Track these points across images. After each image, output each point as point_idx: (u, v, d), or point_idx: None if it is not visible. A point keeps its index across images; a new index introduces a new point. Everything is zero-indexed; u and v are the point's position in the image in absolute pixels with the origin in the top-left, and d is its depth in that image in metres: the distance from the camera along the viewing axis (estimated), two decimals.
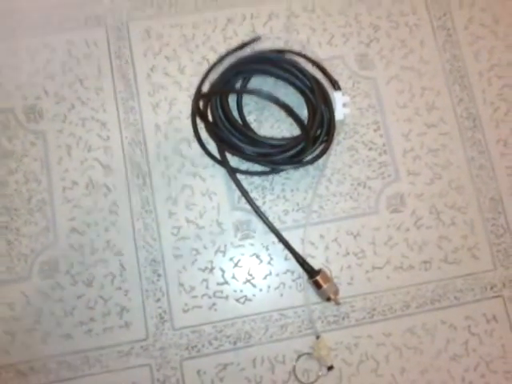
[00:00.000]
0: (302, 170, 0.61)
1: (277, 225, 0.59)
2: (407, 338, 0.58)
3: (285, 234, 0.58)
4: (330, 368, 0.57)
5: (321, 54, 0.64)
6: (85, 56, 0.64)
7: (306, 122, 0.59)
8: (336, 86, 0.61)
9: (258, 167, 0.60)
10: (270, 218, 0.59)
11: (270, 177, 0.61)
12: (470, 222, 0.61)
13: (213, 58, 0.63)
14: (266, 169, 0.60)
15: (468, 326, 0.59)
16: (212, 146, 0.60)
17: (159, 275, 0.58)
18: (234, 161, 0.60)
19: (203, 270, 0.59)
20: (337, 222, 0.60)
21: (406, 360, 0.58)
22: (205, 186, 0.60)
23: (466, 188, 0.62)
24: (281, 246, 0.59)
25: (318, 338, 0.57)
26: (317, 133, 0.59)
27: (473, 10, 0.67)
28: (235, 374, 0.57)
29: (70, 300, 0.58)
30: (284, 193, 0.61)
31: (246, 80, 0.62)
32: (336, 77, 0.63)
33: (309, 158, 0.59)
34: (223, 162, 0.59)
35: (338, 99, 0.60)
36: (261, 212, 0.58)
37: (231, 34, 0.65)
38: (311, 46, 0.65)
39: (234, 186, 0.59)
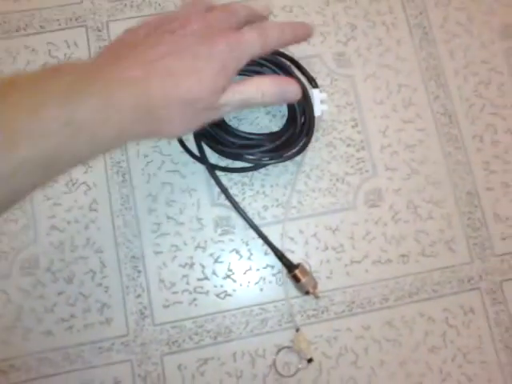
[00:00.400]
0: (280, 167, 0.62)
1: (256, 220, 0.60)
2: (386, 330, 0.59)
3: (264, 230, 0.59)
4: (310, 361, 0.57)
5: (299, 52, 0.65)
6: (65, 56, 0.64)
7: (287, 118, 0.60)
8: (313, 83, 0.62)
9: (237, 164, 0.61)
10: (250, 214, 0.60)
11: (250, 173, 0.61)
12: (446, 216, 0.62)
13: None
14: (246, 165, 0.61)
15: (446, 318, 0.60)
16: (191, 143, 0.61)
17: (139, 271, 0.59)
18: (213, 158, 0.61)
19: (183, 266, 0.59)
20: (316, 217, 0.61)
21: (385, 352, 0.59)
22: (185, 182, 0.61)
23: (443, 183, 0.63)
24: (260, 241, 0.60)
25: (297, 331, 0.58)
26: (296, 129, 0.60)
27: (448, 9, 0.68)
28: (216, 368, 0.57)
29: (50, 297, 0.58)
30: (264, 188, 0.61)
31: None
32: (314, 75, 0.64)
33: (288, 153, 0.60)
34: (202, 159, 0.60)
35: (316, 96, 0.61)
36: (240, 208, 0.59)
37: None
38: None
39: (213, 183, 0.60)
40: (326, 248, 0.60)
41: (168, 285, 0.59)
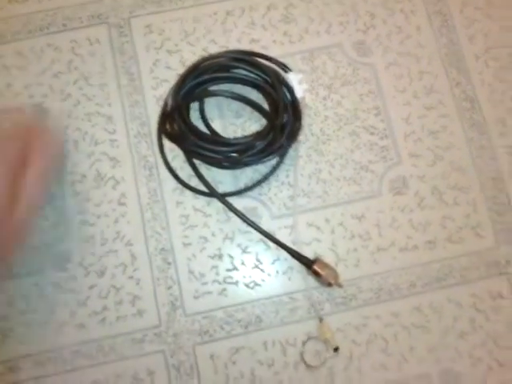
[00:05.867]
0: (304, 157, 0.62)
1: (282, 211, 0.61)
2: (415, 316, 0.59)
3: (291, 220, 0.60)
4: (336, 349, 0.58)
5: (319, 42, 0.65)
6: (89, 54, 0.65)
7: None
8: (286, 68, 0.62)
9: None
10: (276, 205, 0.61)
11: (275, 164, 0.62)
12: (472, 202, 0.62)
13: (213, 49, 0.65)
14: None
15: (474, 304, 0.60)
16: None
17: (169, 263, 0.60)
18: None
19: (212, 257, 0.60)
20: (341, 206, 0.62)
21: (415, 338, 0.59)
22: (211, 174, 0.61)
23: (468, 168, 0.63)
24: (287, 230, 0.60)
25: (320, 321, 0.58)
26: (283, 120, 0.59)
27: None
28: (247, 357, 0.58)
29: (82, 290, 0.59)
30: (288, 179, 0.62)
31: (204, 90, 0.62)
32: (335, 64, 0.65)
33: (285, 141, 0.60)
34: (211, 193, 0.61)
35: (292, 79, 0.61)
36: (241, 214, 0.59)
37: (231, 27, 0.66)
38: (309, 35, 0.66)
39: (239, 174, 0.61)
40: (353, 236, 0.61)
41: (198, 276, 0.59)
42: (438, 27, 0.67)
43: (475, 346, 0.59)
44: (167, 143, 0.62)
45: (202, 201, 0.61)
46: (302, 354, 0.58)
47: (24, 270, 0.59)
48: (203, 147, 0.58)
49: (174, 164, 0.62)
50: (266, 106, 0.62)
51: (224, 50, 0.64)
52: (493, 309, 0.60)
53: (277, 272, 0.60)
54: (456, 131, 0.64)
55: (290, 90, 0.60)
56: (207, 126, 0.62)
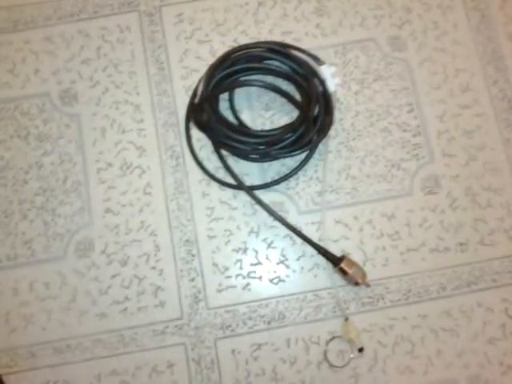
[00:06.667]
0: (334, 152, 0.61)
1: (310, 207, 0.59)
2: (443, 320, 0.58)
3: (318, 216, 0.59)
4: (361, 350, 0.56)
5: (353, 35, 0.64)
6: (118, 41, 0.65)
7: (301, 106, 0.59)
8: (318, 61, 0.60)
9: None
10: (303, 200, 0.59)
11: (304, 158, 0.60)
12: (506, 204, 0.60)
13: (244, 41, 0.64)
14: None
15: (505, 309, 0.58)
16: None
17: (193, 255, 0.59)
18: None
19: (237, 251, 0.59)
20: (371, 204, 0.60)
21: (442, 342, 0.57)
22: (238, 166, 0.60)
23: (502, 170, 0.61)
24: (315, 226, 0.59)
25: (346, 320, 0.57)
26: (314, 112, 0.58)
27: None
28: (269, 353, 0.57)
29: (105, 279, 0.58)
30: (317, 174, 0.60)
31: (235, 80, 0.61)
32: (368, 59, 0.63)
33: (315, 136, 0.59)
34: (239, 185, 0.59)
35: (325, 72, 0.59)
36: (277, 214, 0.58)
37: (263, 18, 0.65)
38: (343, 28, 0.65)
39: (266, 167, 0.60)
40: (382, 235, 0.59)
41: (222, 269, 0.58)
42: (476, 24, 0.65)
43: (506, 353, 0.57)
44: (195, 133, 0.61)
45: (228, 193, 0.60)
46: (325, 353, 0.56)
47: (46, 256, 0.59)
48: (232, 138, 0.57)
49: (200, 155, 0.61)
50: (297, 98, 0.60)
51: (255, 41, 0.63)
52: None
53: (302, 268, 0.58)
54: (491, 131, 0.62)
55: (323, 83, 0.59)
56: (236, 117, 0.61)
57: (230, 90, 0.61)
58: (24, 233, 0.59)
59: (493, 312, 0.58)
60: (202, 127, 0.59)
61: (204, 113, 0.58)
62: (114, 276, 0.58)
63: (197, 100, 0.60)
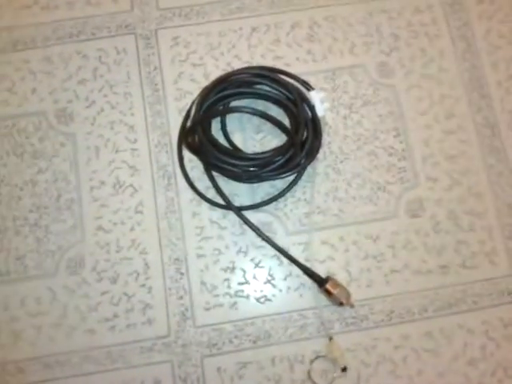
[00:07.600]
0: (322, 175, 0.63)
1: (297, 227, 0.61)
2: (425, 340, 0.59)
3: (306, 237, 0.60)
4: (344, 369, 0.57)
5: (342, 61, 0.66)
6: (115, 62, 0.66)
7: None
8: (308, 86, 0.62)
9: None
10: (291, 221, 0.61)
11: (292, 180, 0.62)
12: (487, 228, 0.62)
13: (237, 64, 0.66)
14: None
15: (486, 331, 0.59)
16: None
17: (182, 274, 0.60)
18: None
19: (225, 270, 0.60)
20: (357, 225, 0.62)
21: (424, 363, 0.58)
22: (228, 187, 0.62)
23: (484, 194, 0.63)
24: (301, 247, 0.60)
25: (330, 339, 0.58)
26: (303, 137, 0.60)
27: (491, 22, 0.69)
28: (255, 372, 0.58)
29: (94, 296, 0.59)
30: (305, 196, 0.62)
31: (226, 105, 0.63)
32: (356, 84, 0.65)
33: (304, 159, 0.60)
34: (227, 206, 0.61)
35: (314, 97, 0.61)
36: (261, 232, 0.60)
37: (256, 43, 0.67)
38: (333, 54, 0.67)
39: (256, 188, 0.61)
40: (367, 256, 0.61)
41: (210, 288, 0.60)
42: (462, 52, 0.67)
43: (485, 374, 0.58)
44: (187, 154, 0.63)
45: (218, 213, 0.61)
46: (309, 372, 0.58)
47: (38, 272, 0.60)
48: (223, 160, 0.58)
49: (192, 175, 0.62)
50: (286, 122, 0.62)
51: (247, 65, 0.65)
52: (505, 337, 0.59)
53: (288, 288, 0.60)
54: (475, 157, 0.64)
55: (311, 108, 0.61)
56: (227, 139, 0.63)
57: (221, 115, 0.63)
58: (17, 249, 0.60)
59: (473, 333, 0.59)
60: (194, 150, 0.60)
61: (196, 135, 0.60)
62: (103, 293, 0.59)
63: (189, 123, 0.62)
